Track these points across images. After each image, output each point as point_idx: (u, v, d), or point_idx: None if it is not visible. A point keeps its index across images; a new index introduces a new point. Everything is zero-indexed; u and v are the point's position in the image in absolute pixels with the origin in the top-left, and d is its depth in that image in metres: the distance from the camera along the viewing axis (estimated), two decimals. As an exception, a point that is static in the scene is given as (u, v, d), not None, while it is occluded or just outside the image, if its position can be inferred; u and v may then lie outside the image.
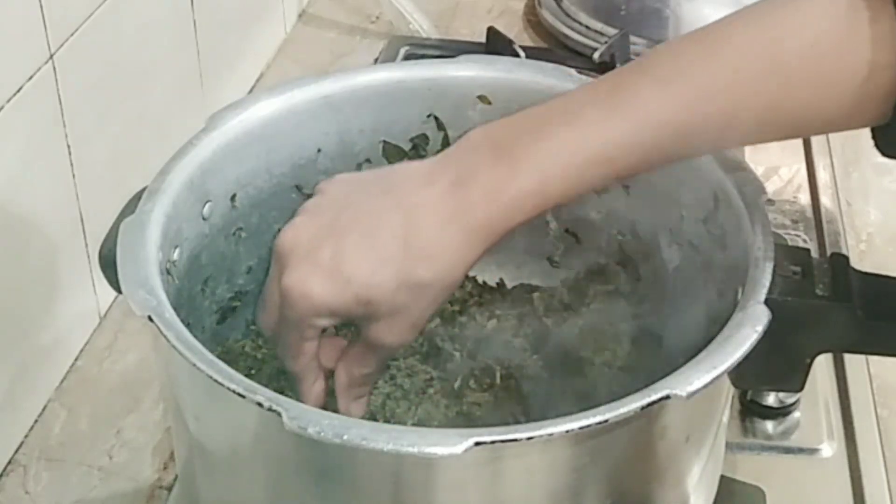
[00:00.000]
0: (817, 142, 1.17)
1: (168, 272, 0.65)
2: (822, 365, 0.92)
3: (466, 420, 0.71)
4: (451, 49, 1.21)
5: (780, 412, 0.88)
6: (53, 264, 0.88)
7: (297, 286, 0.59)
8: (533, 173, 0.59)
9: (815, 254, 0.69)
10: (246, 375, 0.56)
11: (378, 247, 0.59)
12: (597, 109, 0.59)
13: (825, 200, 1.10)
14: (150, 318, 0.57)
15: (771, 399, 0.89)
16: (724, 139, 0.61)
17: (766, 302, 0.59)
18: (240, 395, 0.54)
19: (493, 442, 0.52)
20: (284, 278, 0.60)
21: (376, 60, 1.26)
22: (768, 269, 0.61)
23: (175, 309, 0.59)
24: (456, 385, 0.73)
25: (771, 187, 1.10)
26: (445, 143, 0.78)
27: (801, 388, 0.65)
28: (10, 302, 0.83)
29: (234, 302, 0.76)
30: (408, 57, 1.24)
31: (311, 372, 0.64)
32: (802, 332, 0.62)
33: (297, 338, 0.62)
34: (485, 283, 0.81)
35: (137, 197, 0.66)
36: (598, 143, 0.58)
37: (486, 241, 0.60)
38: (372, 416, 0.71)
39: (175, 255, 0.66)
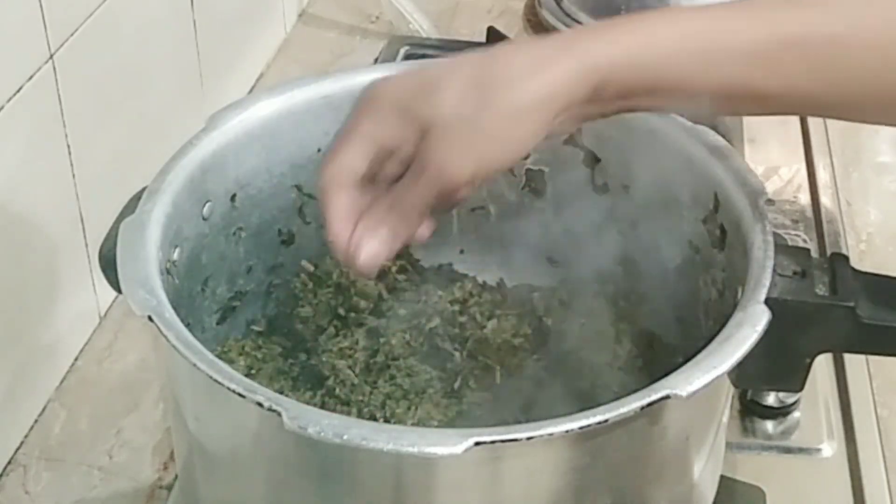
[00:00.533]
0: (817, 142, 1.17)
1: (168, 272, 0.65)
2: (822, 365, 0.92)
3: (466, 420, 0.71)
4: (451, 49, 1.21)
5: (780, 412, 0.88)
6: (53, 264, 0.88)
7: (384, 81, 0.62)
8: (645, 37, 0.59)
9: (815, 254, 0.69)
10: (246, 375, 0.56)
11: (460, 58, 0.60)
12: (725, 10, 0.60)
13: (825, 200, 1.10)
14: (150, 318, 0.57)
15: (771, 399, 0.89)
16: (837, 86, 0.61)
17: (766, 302, 0.59)
18: (240, 395, 0.54)
19: (493, 442, 0.52)
20: (377, 83, 0.61)
21: (376, 60, 1.26)
22: (768, 269, 0.61)
23: (175, 309, 0.59)
24: (456, 385, 0.73)
25: (771, 187, 1.10)
26: (445, 143, 0.78)
27: (801, 388, 0.65)
28: (10, 302, 0.83)
29: (234, 302, 0.76)
30: (408, 57, 1.24)
31: (339, 187, 0.62)
32: (802, 332, 0.62)
33: (348, 127, 0.62)
34: (485, 282, 0.80)
35: (137, 197, 0.66)
36: (716, 37, 0.59)
37: (567, 92, 0.58)
38: (372, 416, 0.71)
39: (175, 255, 0.66)
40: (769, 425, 0.88)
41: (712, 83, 0.59)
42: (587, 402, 0.68)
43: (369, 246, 0.61)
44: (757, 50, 0.59)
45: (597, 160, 0.76)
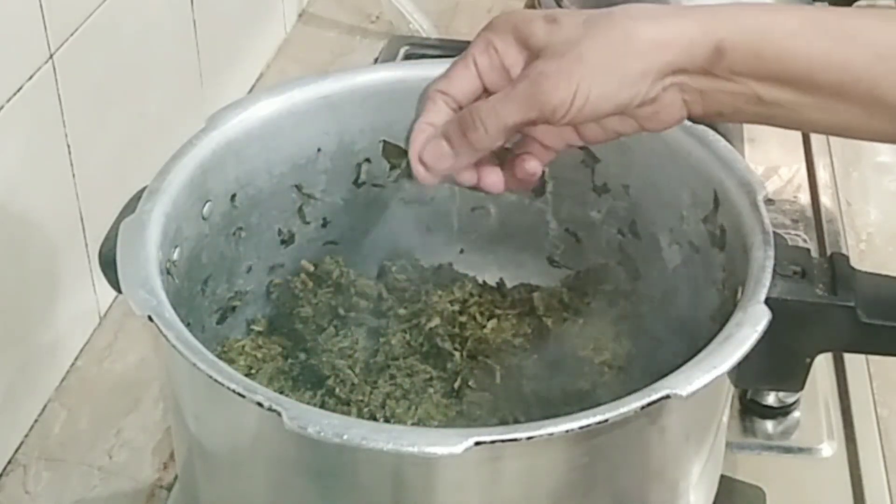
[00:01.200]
0: (817, 142, 1.17)
1: (168, 272, 0.65)
2: (822, 365, 0.92)
3: (466, 420, 0.71)
4: (451, 49, 1.21)
5: (780, 412, 0.88)
6: (53, 264, 0.88)
7: (508, 12, 0.61)
8: (771, 13, 0.58)
9: (815, 254, 0.69)
10: (246, 375, 0.56)
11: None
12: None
13: (825, 200, 1.10)
14: (150, 318, 0.57)
15: (771, 399, 0.89)
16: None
17: (766, 302, 0.59)
18: (240, 395, 0.54)
19: (493, 442, 0.52)
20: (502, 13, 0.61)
21: (376, 60, 1.26)
22: (768, 269, 0.61)
23: (175, 309, 0.59)
24: (456, 385, 0.73)
25: (771, 187, 1.10)
26: (445, 143, 0.78)
27: (801, 388, 0.65)
28: (10, 302, 0.83)
29: (234, 302, 0.76)
30: (408, 57, 1.24)
31: (438, 103, 0.61)
32: (802, 332, 0.62)
33: (463, 57, 0.61)
34: (485, 282, 0.81)
35: (137, 197, 0.66)
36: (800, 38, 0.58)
37: (678, 51, 0.57)
38: (372, 416, 0.71)
39: (175, 255, 0.66)
40: (769, 425, 0.88)
41: (832, 77, 0.57)
42: (587, 402, 0.69)
43: (440, 147, 0.60)
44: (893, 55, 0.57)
45: (597, 160, 0.76)
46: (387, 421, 0.70)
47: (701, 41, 0.57)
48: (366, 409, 0.71)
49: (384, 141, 0.77)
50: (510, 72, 0.60)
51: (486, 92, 0.61)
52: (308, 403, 0.68)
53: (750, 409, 0.89)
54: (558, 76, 0.57)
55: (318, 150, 0.76)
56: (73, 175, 0.88)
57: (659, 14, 0.58)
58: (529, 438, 0.52)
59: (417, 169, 0.62)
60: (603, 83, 0.57)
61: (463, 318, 0.76)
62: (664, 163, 0.72)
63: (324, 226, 0.79)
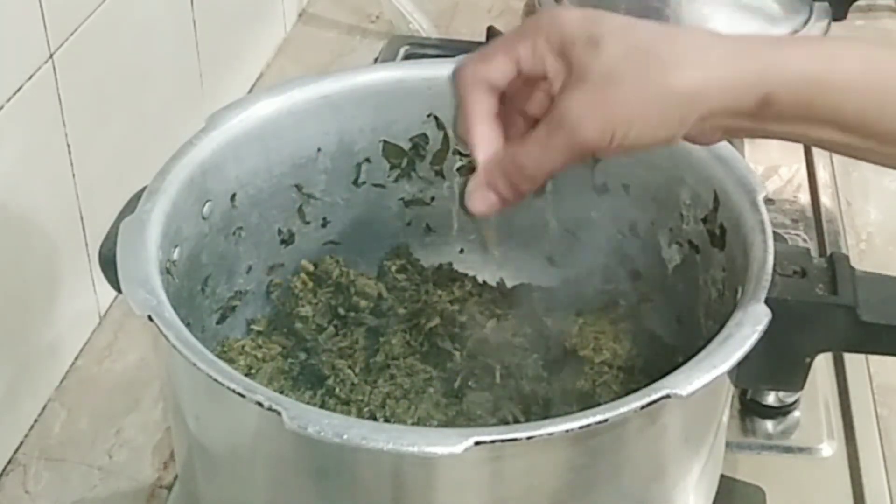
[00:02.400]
0: (817, 141, 1.17)
1: (168, 272, 0.65)
2: (822, 365, 0.92)
3: (466, 420, 0.71)
4: (451, 48, 1.21)
5: (780, 412, 0.88)
6: (53, 264, 0.88)
7: (559, 9, 0.60)
8: (826, 59, 0.56)
9: (815, 253, 0.69)
10: (246, 375, 0.56)
11: (633, 19, 0.58)
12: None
13: (825, 200, 1.10)
14: (150, 318, 0.57)
15: (771, 398, 0.89)
16: None
17: (766, 302, 0.59)
18: (240, 394, 0.54)
19: (493, 441, 0.52)
20: (549, 13, 0.59)
21: (376, 60, 1.26)
22: (768, 269, 0.61)
23: (175, 308, 0.59)
24: (456, 385, 0.73)
25: (771, 187, 1.10)
26: (445, 143, 0.78)
27: (801, 388, 0.65)
28: (10, 301, 0.83)
29: (234, 301, 0.76)
30: (408, 56, 1.24)
31: (482, 90, 0.60)
32: (802, 331, 0.62)
33: (508, 43, 0.60)
34: (485, 282, 0.81)
35: (137, 197, 0.66)
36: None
37: (726, 77, 0.56)
38: (372, 416, 0.71)
39: (175, 255, 0.66)
40: (769, 425, 0.88)
41: (886, 127, 0.57)
42: (587, 402, 0.69)
43: (488, 197, 0.60)
44: None
45: (597, 160, 0.76)
46: (387, 421, 0.70)
47: (747, 91, 0.56)
48: (366, 409, 0.71)
49: (384, 141, 0.77)
50: (547, 72, 0.59)
51: (520, 75, 0.60)
52: (308, 403, 0.68)
53: (750, 409, 0.89)
54: (595, 120, 0.56)
55: (318, 150, 0.76)
56: (73, 175, 0.88)
57: (705, 56, 0.56)
58: (529, 438, 0.52)
59: (470, 206, 0.61)
60: (641, 127, 0.56)
61: (463, 318, 0.76)
62: (664, 163, 0.72)
63: (324, 226, 0.79)
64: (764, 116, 0.56)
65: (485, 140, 0.60)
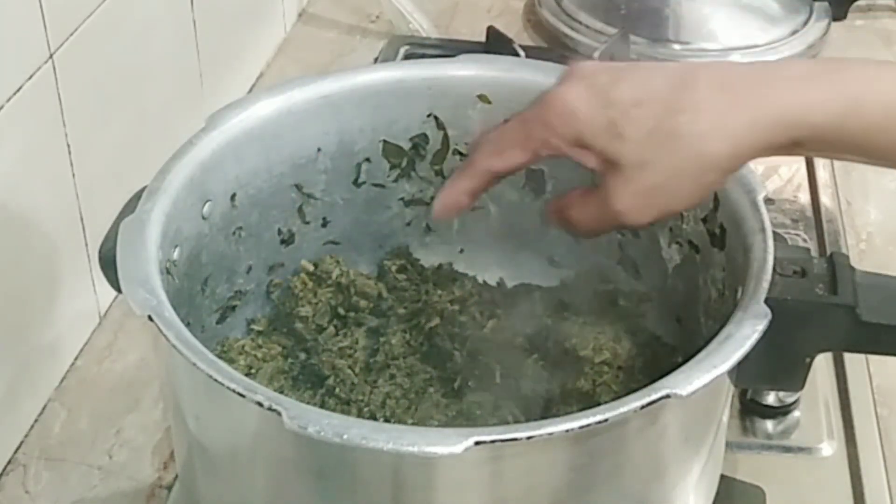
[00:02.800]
0: (817, 141, 1.17)
1: (168, 271, 0.65)
2: (822, 365, 0.92)
3: (466, 420, 0.71)
4: (450, 48, 1.21)
5: (780, 411, 0.88)
6: (53, 264, 0.88)
7: (565, 95, 0.61)
8: (848, 100, 0.59)
9: (815, 253, 0.69)
10: (246, 375, 0.56)
11: (649, 86, 0.60)
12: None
13: (825, 200, 1.10)
14: (150, 318, 0.57)
15: (771, 398, 0.89)
16: None
17: (767, 302, 0.59)
18: (240, 394, 0.54)
19: (493, 441, 0.52)
20: (558, 87, 0.61)
21: (376, 60, 1.26)
22: (768, 269, 0.61)
23: (175, 308, 0.59)
24: (456, 385, 0.73)
25: (771, 187, 1.10)
26: (445, 143, 0.78)
27: (801, 388, 0.65)
28: (10, 301, 0.83)
29: (234, 301, 0.76)
30: (408, 56, 1.24)
31: (482, 174, 0.65)
32: (802, 331, 0.62)
33: (521, 138, 0.62)
34: (485, 282, 0.81)
35: (137, 197, 0.66)
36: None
37: (752, 136, 0.59)
38: (372, 416, 0.71)
39: (175, 255, 0.66)
40: (769, 425, 0.88)
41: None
42: (587, 402, 0.69)
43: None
44: None
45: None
46: (387, 421, 0.70)
47: (776, 140, 0.59)
48: (366, 409, 0.71)
49: (384, 141, 0.77)
50: (570, 156, 0.62)
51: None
52: (308, 403, 0.68)
53: (750, 409, 0.89)
54: (641, 208, 0.61)
55: (318, 149, 0.76)
56: (73, 175, 0.88)
57: (724, 122, 0.58)
58: (529, 438, 0.52)
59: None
60: (679, 201, 0.61)
61: (463, 318, 0.76)
62: (664, 163, 0.72)
63: (324, 226, 0.79)
64: (791, 154, 0.61)
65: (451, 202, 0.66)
